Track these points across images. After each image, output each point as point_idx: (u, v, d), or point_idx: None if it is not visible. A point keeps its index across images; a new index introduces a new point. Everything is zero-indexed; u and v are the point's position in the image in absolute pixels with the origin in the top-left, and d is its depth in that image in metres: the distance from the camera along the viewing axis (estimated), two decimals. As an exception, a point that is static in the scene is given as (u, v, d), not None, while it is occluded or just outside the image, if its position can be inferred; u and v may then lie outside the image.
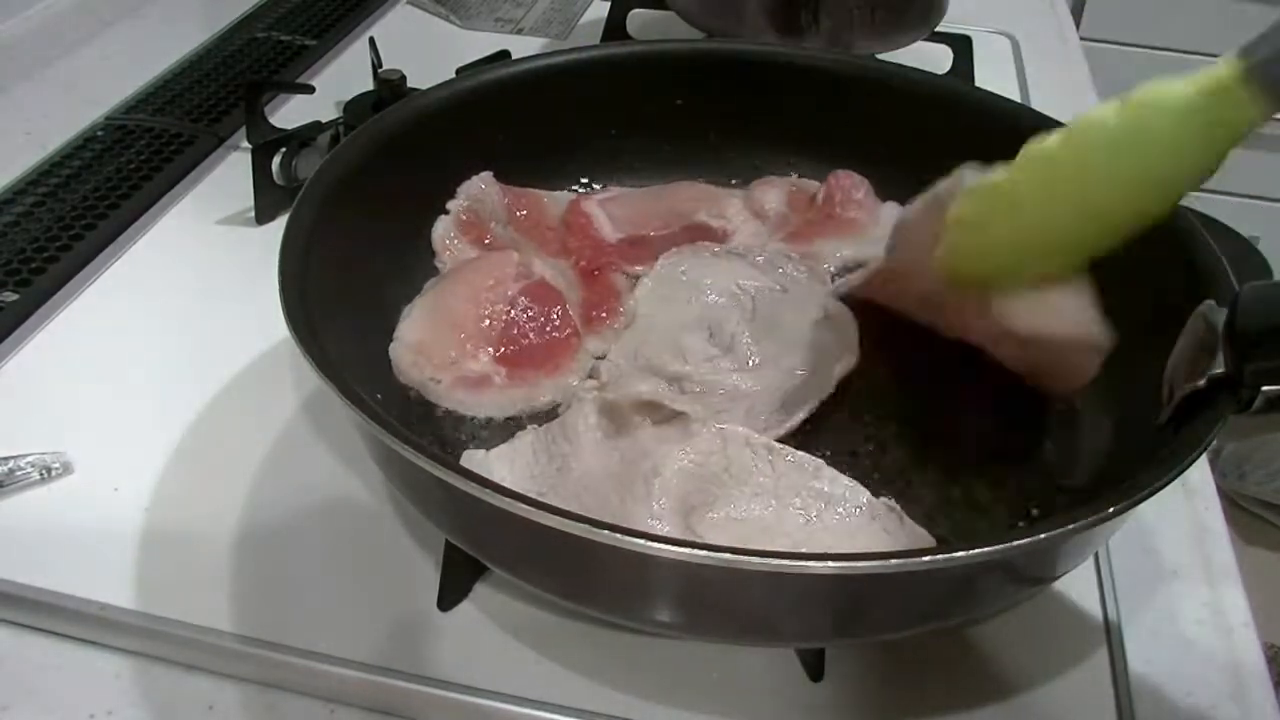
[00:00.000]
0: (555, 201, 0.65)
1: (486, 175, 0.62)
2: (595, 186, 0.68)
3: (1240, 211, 1.63)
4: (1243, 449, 1.60)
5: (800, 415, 0.52)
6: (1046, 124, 0.59)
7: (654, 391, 0.49)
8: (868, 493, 0.47)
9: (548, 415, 0.53)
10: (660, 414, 0.48)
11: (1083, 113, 0.39)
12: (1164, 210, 0.42)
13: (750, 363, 0.55)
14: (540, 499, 0.43)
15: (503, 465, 0.48)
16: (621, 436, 0.48)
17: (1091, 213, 0.43)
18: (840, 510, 0.46)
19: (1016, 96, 0.93)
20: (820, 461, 0.48)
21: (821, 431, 0.53)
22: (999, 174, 0.43)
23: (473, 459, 0.48)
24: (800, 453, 0.48)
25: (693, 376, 0.54)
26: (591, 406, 0.49)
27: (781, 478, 0.47)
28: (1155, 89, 0.38)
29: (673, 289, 0.60)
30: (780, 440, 0.50)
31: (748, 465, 0.47)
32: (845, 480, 0.47)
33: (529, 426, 0.51)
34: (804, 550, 0.44)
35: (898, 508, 0.46)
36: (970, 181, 0.46)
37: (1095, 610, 0.49)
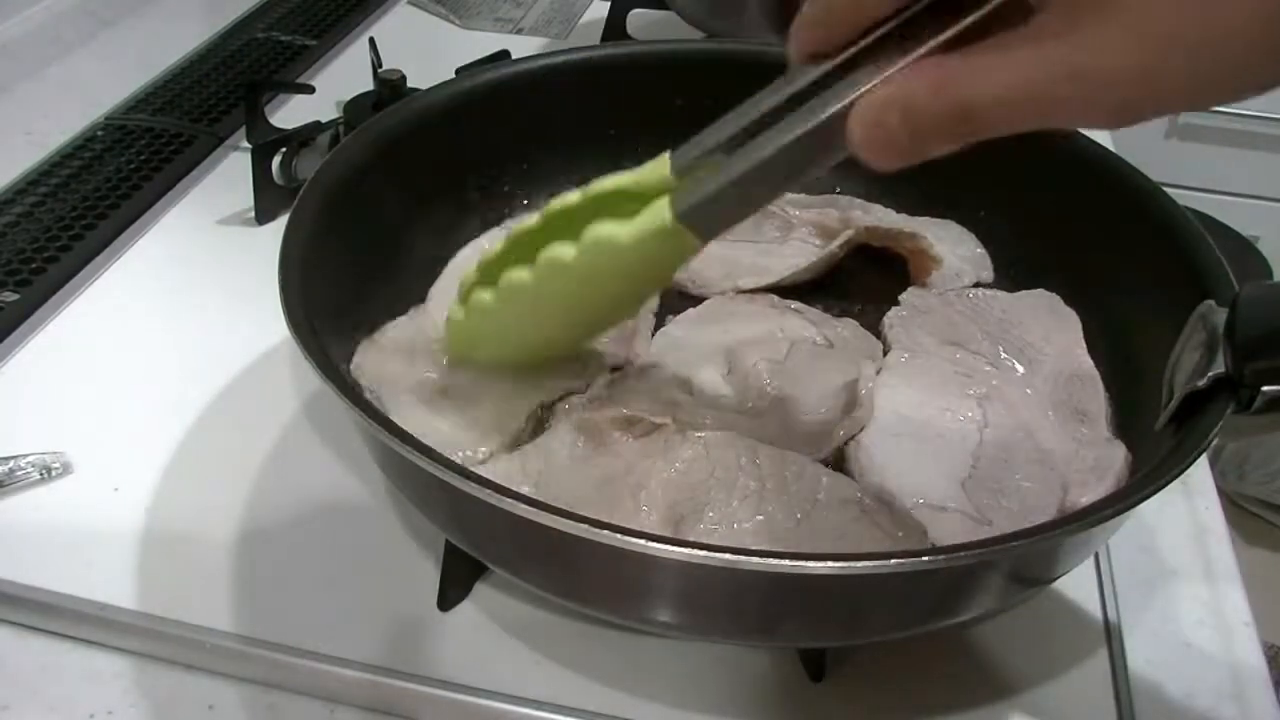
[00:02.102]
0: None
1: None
2: (595, 186, 0.68)
3: (1240, 211, 1.63)
4: (1243, 449, 1.60)
5: None
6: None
7: (630, 409, 0.48)
8: (857, 487, 0.47)
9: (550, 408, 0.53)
10: (640, 428, 0.48)
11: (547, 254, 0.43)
12: (632, 312, 0.51)
13: (756, 409, 0.52)
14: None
15: None
16: (600, 454, 0.48)
17: (559, 324, 0.49)
18: (830, 508, 0.45)
19: (1016, 96, 0.93)
20: (805, 458, 0.47)
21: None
22: (484, 294, 0.47)
23: None
24: (786, 452, 0.48)
25: (686, 407, 0.51)
26: (567, 426, 0.49)
27: (768, 479, 0.46)
28: (602, 231, 0.41)
29: (712, 322, 0.57)
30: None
31: (733, 468, 0.46)
32: (833, 476, 0.47)
33: (499, 454, 0.49)
34: (797, 551, 0.44)
35: (888, 500, 0.46)
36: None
37: (1095, 610, 0.49)
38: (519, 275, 0.45)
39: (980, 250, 0.63)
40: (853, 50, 0.33)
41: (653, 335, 0.57)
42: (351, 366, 0.52)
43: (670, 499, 0.45)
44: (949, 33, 0.31)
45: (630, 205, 0.41)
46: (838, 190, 0.68)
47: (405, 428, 0.48)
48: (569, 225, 0.43)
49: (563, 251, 0.43)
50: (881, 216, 0.64)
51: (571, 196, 0.44)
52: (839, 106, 0.33)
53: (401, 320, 0.56)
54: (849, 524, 0.45)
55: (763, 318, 0.57)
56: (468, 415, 0.51)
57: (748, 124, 0.37)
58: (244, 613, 0.47)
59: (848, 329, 0.57)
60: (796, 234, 0.64)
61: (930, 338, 0.56)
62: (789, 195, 0.66)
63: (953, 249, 0.62)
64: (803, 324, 0.57)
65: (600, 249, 0.42)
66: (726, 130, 0.38)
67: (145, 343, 0.63)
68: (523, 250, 0.45)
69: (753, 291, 0.60)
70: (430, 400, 0.51)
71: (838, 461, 0.50)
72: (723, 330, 0.57)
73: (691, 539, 0.43)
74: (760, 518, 0.45)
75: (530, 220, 0.46)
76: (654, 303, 0.59)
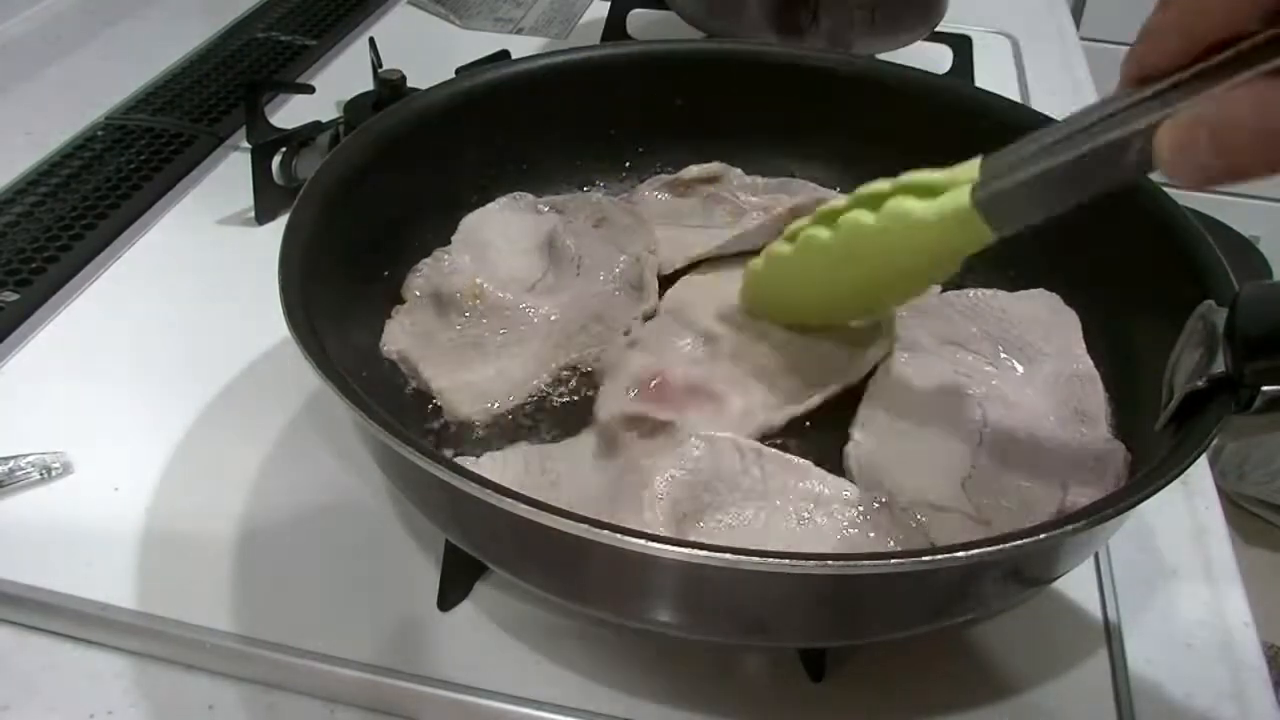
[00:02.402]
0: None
1: None
2: (597, 184, 0.68)
3: (1240, 211, 1.63)
4: (1243, 449, 1.60)
5: (817, 398, 0.52)
6: (1046, 124, 0.59)
7: (634, 406, 0.49)
8: (858, 490, 0.47)
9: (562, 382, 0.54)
10: (646, 426, 0.48)
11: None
12: (914, 293, 0.53)
13: (788, 337, 0.55)
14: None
15: (493, 472, 0.47)
16: (613, 454, 0.48)
17: (849, 290, 0.51)
18: (830, 509, 0.46)
19: (1016, 96, 0.93)
20: (808, 463, 0.48)
21: (817, 433, 0.52)
22: (784, 246, 0.51)
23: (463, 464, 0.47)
24: (787, 455, 0.48)
25: (726, 338, 0.54)
26: (588, 430, 0.50)
27: (770, 479, 0.46)
28: (903, 204, 0.44)
29: (728, 270, 0.60)
30: (781, 435, 0.51)
31: (736, 470, 0.47)
32: (833, 479, 0.47)
33: (521, 443, 0.50)
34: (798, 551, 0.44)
35: (888, 503, 0.46)
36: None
37: (1095, 610, 0.49)
38: (819, 232, 0.49)
39: None
40: (1171, 80, 0.34)
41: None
42: (381, 344, 0.54)
43: (674, 499, 0.45)
44: (1269, 64, 0.31)
45: (935, 195, 0.44)
46: (794, 174, 0.68)
47: (434, 382, 0.51)
48: (874, 206, 0.46)
49: (863, 217, 0.46)
50: (832, 200, 0.64)
51: (881, 183, 0.46)
52: (1146, 123, 0.34)
53: (426, 262, 0.58)
54: (849, 525, 0.45)
55: None
56: (497, 367, 0.53)
57: (1060, 136, 0.39)
58: (244, 613, 0.47)
59: None
60: (746, 219, 0.65)
61: (930, 337, 0.56)
62: (740, 181, 0.66)
63: None
64: None
65: (898, 219, 0.45)
66: (1040, 140, 0.40)
67: (145, 343, 0.63)
68: (827, 224, 0.49)
69: (713, 267, 0.61)
70: (461, 354, 0.53)
71: (837, 464, 0.50)
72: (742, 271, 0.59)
73: (694, 538, 0.44)
74: (763, 517, 0.45)
75: (838, 200, 0.49)
76: (657, 263, 0.60)
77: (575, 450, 0.49)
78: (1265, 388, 0.40)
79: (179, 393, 0.58)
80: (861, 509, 0.46)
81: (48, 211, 0.72)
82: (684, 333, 0.55)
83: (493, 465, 0.48)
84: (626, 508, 0.45)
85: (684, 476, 0.46)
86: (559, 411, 0.53)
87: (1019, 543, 0.35)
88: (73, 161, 0.77)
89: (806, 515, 0.45)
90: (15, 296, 0.64)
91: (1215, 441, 0.40)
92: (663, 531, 0.44)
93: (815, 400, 0.52)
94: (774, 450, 0.48)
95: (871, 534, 0.45)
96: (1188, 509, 0.55)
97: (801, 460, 0.48)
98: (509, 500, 0.36)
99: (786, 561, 0.35)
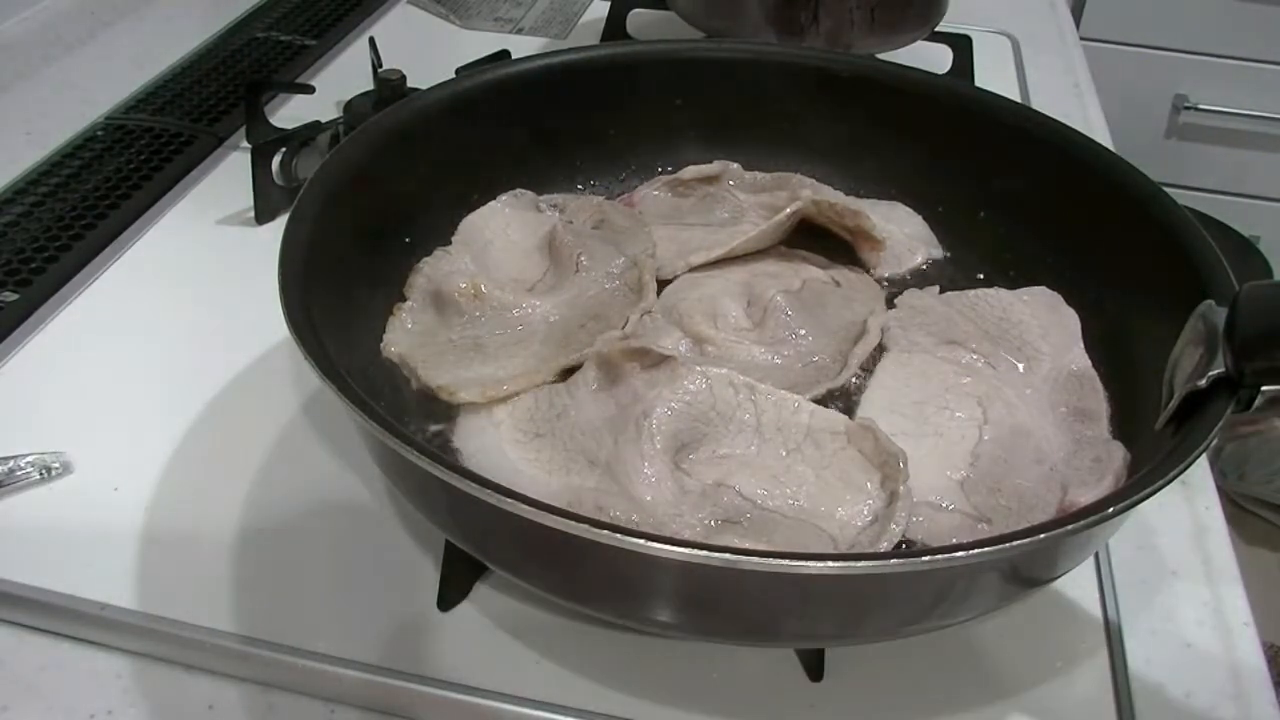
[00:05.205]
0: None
1: None
2: (597, 184, 0.68)
3: (1240, 211, 1.63)
4: (1243, 449, 1.60)
5: (805, 401, 0.52)
6: (1046, 124, 0.60)
7: (658, 345, 0.51)
8: (845, 418, 0.49)
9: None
10: (649, 359, 0.50)
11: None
12: None
13: (776, 338, 0.56)
14: (536, 438, 0.48)
15: (502, 410, 0.50)
16: (616, 386, 0.50)
17: None
18: (819, 438, 0.48)
19: (1016, 96, 0.93)
20: (799, 398, 0.50)
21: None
22: None
23: (474, 407, 0.50)
24: (781, 391, 0.50)
25: (715, 341, 0.55)
26: (590, 364, 0.51)
27: (763, 414, 0.49)
28: None
29: (729, 265, 0.61)
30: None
31: (731, 403, 0.49)
32: (824, 412, 0.49)
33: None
34: (780, 481, 0.46)
35: (873, 425, 0.48)
36: None
37: (1095, 610, 0.49)
38: None
39: (927, 229, 0.64)
40: None
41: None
42: (383, 345, 0.54)
43: (673, 429, 0.48)
44: None
45: None
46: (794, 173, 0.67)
47: (434, 380, 0.52)
48: None
49: None
50: (830, 195, 0.64)
51: None
52: None
53: (428, 261, 0.58)
54: (833, 454, 0.47)
55: (774, 260, 0.62)
56: (495, 367, 0.53)
57: None
58: (244, 613, 0.47)
59: (853, 273, 0.62)
60: (748, 218, 0.65)
61: (929, 337, 0.56)
62: (739, 180, 0.67)
63: (900, 228, 0.63)
64: (811, 267, 0.61)
65: None
66: None
67: (145, 342, 0.63)
68: None
69: (710, 265, 0.61)
70: (461, 355, 0.54)
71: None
72: (739, 270, 0.60)
73: (687, 467, 0.46)
74: (754, 449, 0.48)
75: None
76: (655, 265, 0.60)
77: (579, 384, 0.51)
78: (1265, 388, 0.40)
79: (179, 392, 0.58)
80: (847, 435, 0.48)
81: (48, 211, 0.72)
82: (674, 333, 0.56)
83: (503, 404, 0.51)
84: (627, 437, 0.47)
85: (684, 408, 0.49)
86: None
87: (1019, 543, 0.35)
88: (73, 161, 0.77)
89: (795, 447, 0.48)
90: (15, 296, 0.64)
91: (1215, 441, 0.40)
92: (659, 460, 0.46)
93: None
94: (767, 386, 0.50)
95: (854, 459, 0.47)
96: (1188, 509, 0.55)
97: (794, 396, 0.50)
98: (509, 500, 0.36)
99: (785, 561, 0.35)
